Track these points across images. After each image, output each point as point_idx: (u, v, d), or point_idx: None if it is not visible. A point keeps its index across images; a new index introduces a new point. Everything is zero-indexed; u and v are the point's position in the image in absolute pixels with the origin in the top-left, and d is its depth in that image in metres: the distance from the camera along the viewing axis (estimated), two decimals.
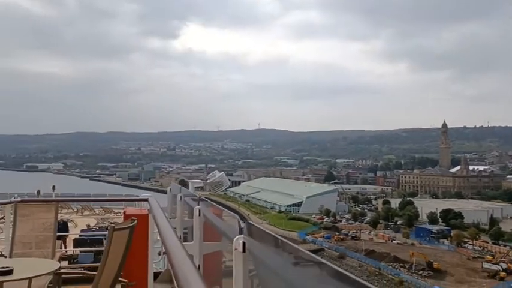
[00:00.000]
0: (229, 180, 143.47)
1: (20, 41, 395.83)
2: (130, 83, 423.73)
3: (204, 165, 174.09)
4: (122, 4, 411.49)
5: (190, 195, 5.46)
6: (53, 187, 26.75)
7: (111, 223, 17.66)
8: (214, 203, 4.68)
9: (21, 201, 5.03)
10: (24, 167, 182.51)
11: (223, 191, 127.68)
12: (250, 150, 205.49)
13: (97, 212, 27.07)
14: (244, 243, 2.01)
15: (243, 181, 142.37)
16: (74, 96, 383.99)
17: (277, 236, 1.85)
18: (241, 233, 2.12)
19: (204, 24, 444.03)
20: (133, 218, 3.78)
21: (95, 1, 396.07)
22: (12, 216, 4.86)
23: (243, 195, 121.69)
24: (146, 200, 5.39)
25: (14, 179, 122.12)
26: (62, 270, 4.18)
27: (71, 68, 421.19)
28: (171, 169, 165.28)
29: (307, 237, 76.49)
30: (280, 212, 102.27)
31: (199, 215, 3.61)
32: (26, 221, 4.88)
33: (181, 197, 5.14)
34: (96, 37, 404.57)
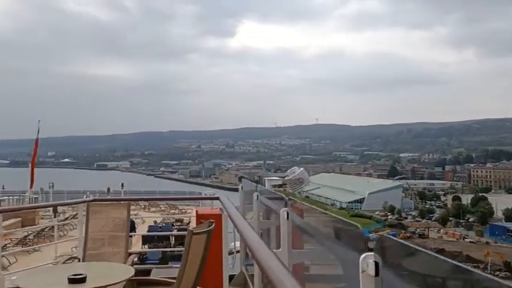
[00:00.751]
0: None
1: (89, 46, 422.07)
2: (189, 82, 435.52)
3: (262, 161, 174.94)
4: (180, 6, 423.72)
5: (267, 194, 5.01)
6: (122, 185, 27.94)
7: (176, 220, 17.70)
8: (304, 203, 4.19)
9: (94, 200, 4.88)
10: (95, 165, 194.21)
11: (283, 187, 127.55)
12: (308, 146, 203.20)
13: (163, 208, 27.83)
14: (377, 264, 1.35)
15: None
16: (138, 98, 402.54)
17: (435, 254, 1.27)
18: (366, 247, 1.54)
19: (259, 20, 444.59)
20: (211, 220, 3.38)
21: (156, 5, 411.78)
22: (85, 215, 4.72)
23: (303, 191, 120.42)
24: (217, 198, 5.04)
25: (87, 177, 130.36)
26: (136, 278, 3.91)
27: (135, 70, 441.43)
28: (230, 166, 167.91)
29: (371, 234, 74.09)
30: (341, 208, 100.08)
31: (288, 218, 3.13)
32: (99, 219, 4.71)
33: (257, 195, 4.72)
34: (156, 39, 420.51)
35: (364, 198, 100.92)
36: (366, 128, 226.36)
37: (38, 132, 28.13)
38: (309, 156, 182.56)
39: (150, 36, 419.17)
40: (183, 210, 26.79)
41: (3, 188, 33.93)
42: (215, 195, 5.14)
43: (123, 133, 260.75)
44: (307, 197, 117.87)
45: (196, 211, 5.22)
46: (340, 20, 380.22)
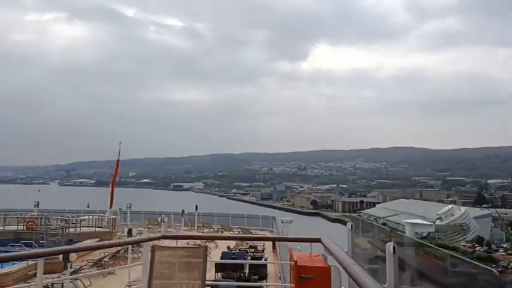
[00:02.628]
0: (363, 201, 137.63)
1: (168, 73, 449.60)
2: (261, 105, 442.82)
3: (335, 185, 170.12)
4: (254, 32, 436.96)
5: (410, 245, 3.60)
6: (196, 207, 27.76)
7: (250, 246, 16.40)
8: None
9: (162, 237, 3.93)
10: (172, 186, 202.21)
11: (357, 212, 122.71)
12: (384, 170, 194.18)
13: (236, 232, 27.07)
14: None
15: (378, 203, 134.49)
16: (213, 121, 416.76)
17: None
18: None
19: (332, 43, 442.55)
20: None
21: (230, 31, 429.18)
22: (150, 255, 3.82)
23: (379, 218, 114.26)
24: (318, 240, 3.80)
25: (163, 197, 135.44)
26: None
27: (210, 94, 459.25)
28: (302, 189, 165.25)
29: None
30: (422, 238, 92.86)
31: (394, 252, 1.88)
32: (167, 265, 3.75)
33: (393, 247, 2.98)
34: (231, 64, 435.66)
35: None
36: (448, 151, 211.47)
37: (119, 154, 29.05)
38: (386, 180, 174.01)
39: (224, 61, 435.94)
40: (257, 235, 25.83)
41: (88, 207, 35.51)
42: (317, 237, 3.83)
43: (197, 155, 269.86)
44: (384, 224, 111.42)
45: (296, 261, 3.89)
46: (417, 39, 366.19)
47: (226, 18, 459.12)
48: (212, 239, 13.43)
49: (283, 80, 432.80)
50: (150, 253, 3.68)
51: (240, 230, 26.87)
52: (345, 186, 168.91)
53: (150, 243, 3.83)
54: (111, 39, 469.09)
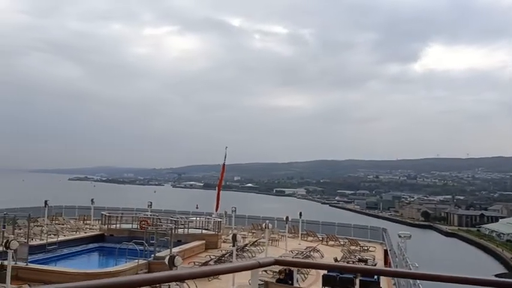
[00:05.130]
0: (484, 215, 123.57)
1: (271, 79, 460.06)
2: (367, 110, 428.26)
3: (450, 196, 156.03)
4: (359, 35, 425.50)
5: None
6: (300, 214, 26.81)
7: (359, 260, 14.75)
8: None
9: (276, 262, 2.91)
10: (274, 191, 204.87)
11: (477, 227, 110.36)
12: (509, 181, 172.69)
13: (342, 242, 25.45)
14: None
15: (501, 217, 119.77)
16: (315, 126, 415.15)
17: None
18: None
19: (447, 42, 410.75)
20: None
21: (334, 35, 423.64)
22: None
23: (503, 233, 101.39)
24: None
25: (266, 202, 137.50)
26: None
27: (313, 99, 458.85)
28: (412, 199, 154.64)
29: None
30: None
31: None
32: None
33: None
34: (334, 69, 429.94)
35: None
36: None
37: (225, 158, 29.46)
38: (510, 193, 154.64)
39: (328, 66, 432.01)
40: (365, 248, 23.92)
41: (197, 208, 36.97)
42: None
43: (299, 161, 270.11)
44: (509, 240, 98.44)
45: None
46: None
47: (331, 22, 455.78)
48: (334, 268, 11.13)
49: (391, 83, 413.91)
50: (258, 283, 2.79)
51: (346, 240, 25.21)
52: (461, 197, 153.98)
53: (261, 268, 2.95)
54: (219, 49, 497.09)
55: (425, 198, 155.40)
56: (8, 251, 11.58)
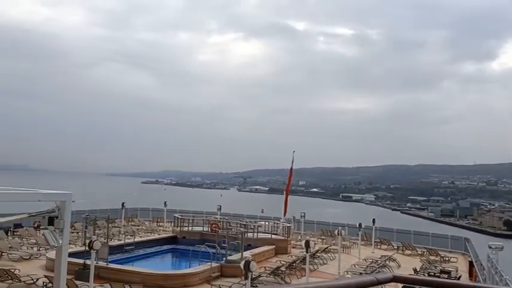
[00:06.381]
0: None
1: (336, 82, 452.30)
2: (441, 112, 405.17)
3: None
4: (430, 33, 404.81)
5: None
6: (373, 220, 25.58)
7: (441, 271, 13.49)
8: None
9: (394, 279, 2.44)
10: (340, 196, 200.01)
11: None
12: None
13: (419, 252, 23.93)
14: None
15: None
16: (383, 129, 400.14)
17: None
18: None
19: None
20: None
21: (403, 34, 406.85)
22: None
23: None
24: None
25: (332, 207, 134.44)
26: None
27: (380, 101, 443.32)
28: (492, 207, 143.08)
29: None
30: None
31: None
32: None
33: None
34: (403, 69, 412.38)
35: None
36: None
37: (292, 162, 29.07)
38: None
39: (396, 66, 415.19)
40: (446, 258, 22.23)
41: (262, 212, 36.86)
42: None
43: (367, 166, 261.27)
44: None
45: None
46: None
47: (398, 21, 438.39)
48: None
49: (466, 82, 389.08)
50: None
51: (425, 250, 23.64)
52: None
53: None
54: (283, 53, 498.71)
55: (508, 205, 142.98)
56: (92, 251, 12.12)
